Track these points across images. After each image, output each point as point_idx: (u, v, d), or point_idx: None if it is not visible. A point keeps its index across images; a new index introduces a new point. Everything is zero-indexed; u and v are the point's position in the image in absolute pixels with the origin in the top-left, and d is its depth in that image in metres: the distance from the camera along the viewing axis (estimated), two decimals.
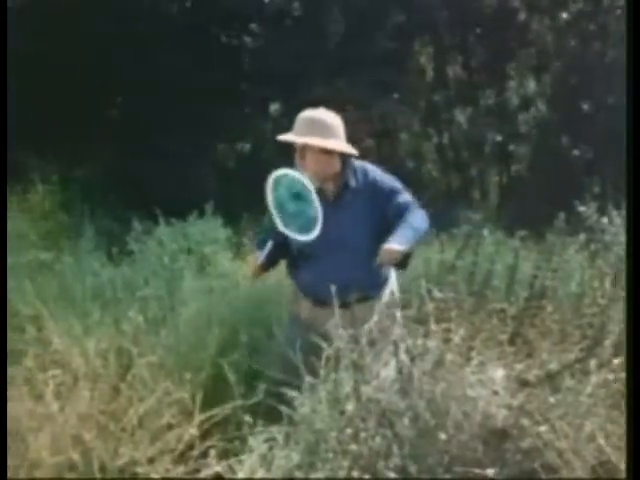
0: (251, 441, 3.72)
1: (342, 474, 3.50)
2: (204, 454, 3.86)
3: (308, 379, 3.78)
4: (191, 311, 5.51)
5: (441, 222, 8.61)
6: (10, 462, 4.13)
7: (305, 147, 4.64)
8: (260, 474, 3.61)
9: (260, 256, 4.77)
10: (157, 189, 11.43)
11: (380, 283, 4.78)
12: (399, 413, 3.60)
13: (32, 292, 5.69)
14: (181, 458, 3.96)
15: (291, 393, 3.83)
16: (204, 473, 3.73)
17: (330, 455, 3.55)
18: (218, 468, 3.69)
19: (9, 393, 4.56)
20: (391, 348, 3.74)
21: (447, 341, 3.75)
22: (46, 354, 4.89)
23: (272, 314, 5.71)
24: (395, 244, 4.41)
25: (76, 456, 4.11)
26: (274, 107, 15.92)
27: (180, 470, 3.91)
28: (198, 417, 3.98)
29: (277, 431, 3.70)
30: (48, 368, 4.70)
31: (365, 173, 4.73)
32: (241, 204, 11.52)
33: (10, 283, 6.38)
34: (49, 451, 4.17)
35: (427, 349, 3.72)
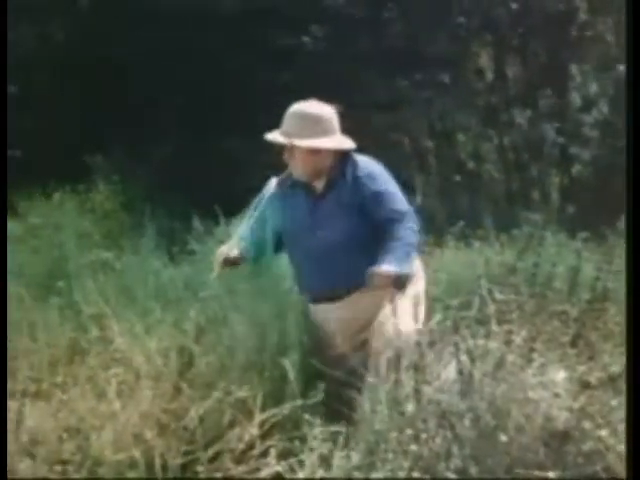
0: (311, 441, 3.73)
1: (402, 475, 3.50)
2: (264, 453, 3.88)
3: (369, 379, 3.79)
4: (252, 311, 5.52)
5: (501, 223, 8.57)
6: (73, 459, 4.19)
7: (293, 146, 4.52)
8: (320, 474, 3.61)
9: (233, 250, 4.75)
10: (218, 189, 11.49)
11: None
12: (460, 414, 3.59)
13: (95, 291, 5.75)
14: (241, 457, 3.98)
15: (351, 393, 3.83)
16: (264, 472, 3.75)
17: (390, 456, 3.55)
18: (278, 468, 3.71)
19: (72, 391, 4.62)
20: (452, 349, 3.73)
21: (508, 343, 3.74)
22: (108, 353, 4.94)
23: None
24: (385, 266, 4.24)
25: (138, 454, 4.15)
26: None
27: (240, 469, 3.93)
28: (259, 416, 3.99)
29: (337, 431, 3.71)
30: (110, 367, 4.75)
31: (355, 167, 4.52)
32: None
33: (73, 283, 6.47)
34: (111, 449, 4.22)
35: (488, 350, 3.71)
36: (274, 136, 4.54)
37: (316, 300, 4.59)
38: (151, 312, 5.70)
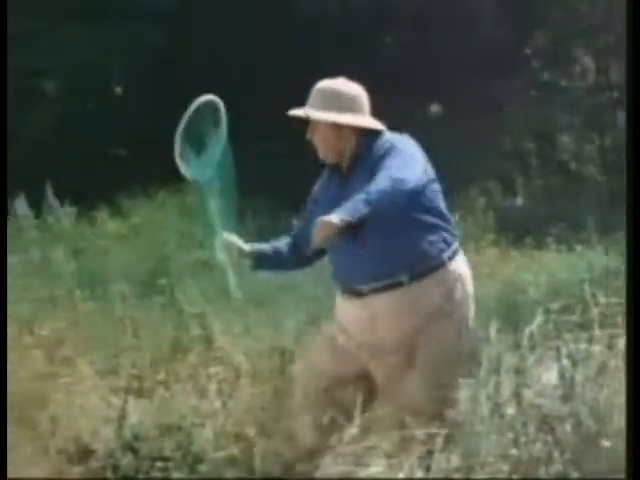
0: (411, 442, 3.72)
1: (502, 478, 3.47)
2: (364, 454, 3.88)
3: (468, 381, 3.76)
4: None
5: (604, 226, 8.43)
6: (174, 456, 4.24)
7: (315, 122, 4.20)
8: (419, 475, 3.61)
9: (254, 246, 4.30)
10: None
11: (410, 267, 4.04)
12: (561, 419, 3.55)
13: (196, 290, 5.82)
14: (341, 457, 3.99)
15: (452, 395, 3.82)
16: (364, 473, 3.75)
17: (490, 459, 3.52)
18: (378, 468, 3.70)
19: (174, 389, 4.68)
20: (553, 353, 3.69)
21: (611, 347, 3.68)
22: (209, 351, 5.00)
23: None
24: (332, 216, 3.75)
25: (237, 452, 4.19)
26: (435, 108, 15.86)
27: (340, 469, 3.94)
28: (359, 417, 3.99)
29: (437, 433, 3.69)
30: (211, 365, 4.81)
31: (381, 145, 4.12)
32: None
33: (175, 281, 6.56)
34: (211, 447, 4.26)
35: (590, 354, 3.66)
36: (296, 111, 4.22)
37: (346, 294, 4.20)
38: (250, 312, 5.75)
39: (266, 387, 4.54)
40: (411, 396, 3.97)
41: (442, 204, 4.17)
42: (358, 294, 4.11)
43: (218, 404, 4.45)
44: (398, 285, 4.03)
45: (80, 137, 12.65)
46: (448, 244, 4.12)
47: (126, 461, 4.33)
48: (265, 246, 4.34)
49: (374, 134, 4.18)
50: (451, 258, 4.11)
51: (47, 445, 4.54)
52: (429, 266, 4.05)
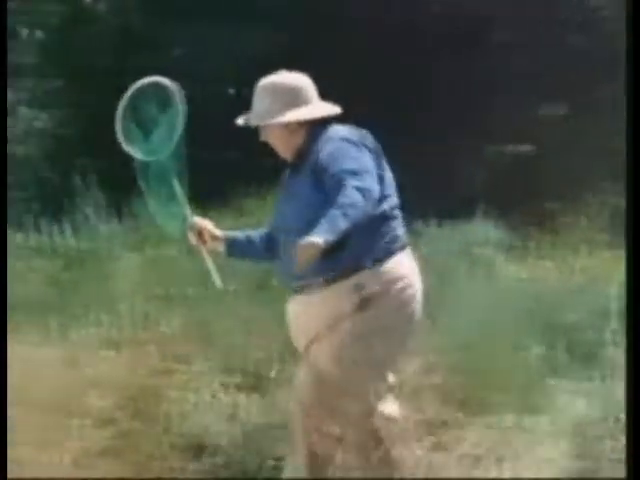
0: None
1: None
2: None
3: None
4: (469, 313, 5.51)
5: None
6: (285, 454, 4.25)
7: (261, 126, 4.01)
8: None
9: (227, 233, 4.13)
10: (427, 190, 11.49)
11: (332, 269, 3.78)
12: None
13: None
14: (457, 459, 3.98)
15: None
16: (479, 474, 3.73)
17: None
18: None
19: (286, 386, 4.70)
20: None
21: None
22: None
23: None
24: (313, 237, 3.50)
25: None
26: (547, 109, 15.63)
27: (457, 471, 3.92)
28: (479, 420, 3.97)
29: None
30: None
31: (324, 136, 3.89)
32: (513, 204, 11.40)
33: None
34: None
35: None
36: (240, 120, 4.05)
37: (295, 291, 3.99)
38: None
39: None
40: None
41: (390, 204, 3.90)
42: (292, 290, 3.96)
43: None
44: (312, 287, 3.83)
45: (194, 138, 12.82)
46: (380, 247, 3.83)
47: (238, 458, 4.36)
48: (238, 234, 4.19)
49: (323, 124, 3.94)
50: (379, 261, 3.80)
51: (161, 441, 4.60)
52: (345, 270, 3.79)
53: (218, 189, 10.36)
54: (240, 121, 4.01)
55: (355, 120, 3.94)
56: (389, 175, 3.91)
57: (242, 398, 4.88)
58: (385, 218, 3.83)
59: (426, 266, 4.02)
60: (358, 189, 3.58)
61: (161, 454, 4.49)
